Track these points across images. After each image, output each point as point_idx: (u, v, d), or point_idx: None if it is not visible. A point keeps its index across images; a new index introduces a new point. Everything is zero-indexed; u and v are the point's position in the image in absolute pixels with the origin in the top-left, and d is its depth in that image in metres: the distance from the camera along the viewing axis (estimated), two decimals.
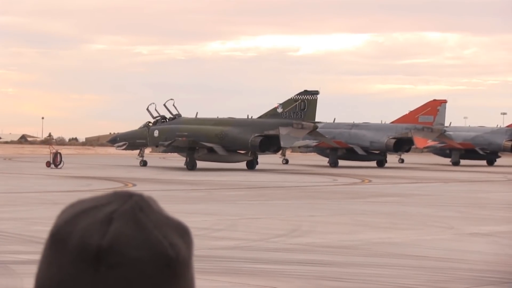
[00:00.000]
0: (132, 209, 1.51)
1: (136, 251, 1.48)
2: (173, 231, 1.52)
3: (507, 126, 75.18)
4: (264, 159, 59.78)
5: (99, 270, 1.47)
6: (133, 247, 1.48)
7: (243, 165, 54.94)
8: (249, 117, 58.59)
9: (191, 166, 52.67)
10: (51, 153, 53.94)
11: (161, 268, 1.49)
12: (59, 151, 54.85)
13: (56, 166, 52.26)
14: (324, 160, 63.78)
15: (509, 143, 71.68)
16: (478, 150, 72.09)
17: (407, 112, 66.57)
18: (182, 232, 1.54)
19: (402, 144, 64.14)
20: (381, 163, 64.18)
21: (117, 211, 1.50)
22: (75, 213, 1.53)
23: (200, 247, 15.63)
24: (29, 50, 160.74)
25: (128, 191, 1.55)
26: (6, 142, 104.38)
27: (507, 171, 59.52)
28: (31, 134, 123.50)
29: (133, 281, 1.48)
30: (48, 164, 52.68)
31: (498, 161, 73.44)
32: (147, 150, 61.34)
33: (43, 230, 19.48)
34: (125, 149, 59.22)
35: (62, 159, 53.31)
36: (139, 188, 35.54)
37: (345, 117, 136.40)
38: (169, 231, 1.52)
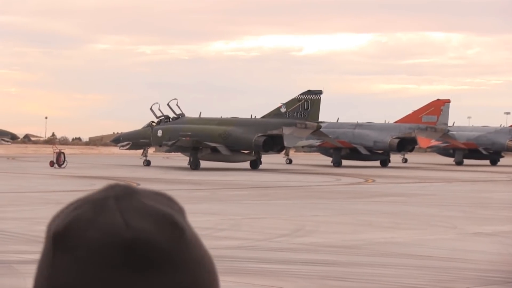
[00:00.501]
0: (105, 197, 1.47)
1: (90, 234, 1.43)
2: (145, 217, 1.43)
3: (511, 126, 75.11)
4: (268, 159, 59.79)
5: (55, 255, 1.46)
6: (88, 230, 1.43)
7: (246, 165, 54.95)
8: (253, 117, 58.59)
9: (194, 165, 52.69)
10: (54, 152, 54.00)
11: (114, 250, 1.41)
12: (62, 150, 54.91)
13: (60, 165, 52.31)
14: (328, 160, 63.77)
15: None
16: (481, 150, 72.03)
17: (410, 112, 66.55)
18: (160, 219, 1.44)
19: (406, 144, 64.10)
20: (384, 163, 64.16)
21: (90, 198, 1.48)
22: (63, 207, 1.53)
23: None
24: (32, 50, 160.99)
25: (118, 183, 1.51)
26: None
27: (511, 171, 59.46)
28: (35, 134, 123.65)
29: (87, 263, 1.42)
30: (51, 164, 52.73)
31: (502, 161, 73.38)
32: (151, 150, 61.37)
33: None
34: (128, 148, 59.26)
35: (66, 159, 53.36)
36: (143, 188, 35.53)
37: (348, 117, 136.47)
38: (137, 216, 1.43)
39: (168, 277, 1.43)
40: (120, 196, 1.47)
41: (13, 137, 72.38)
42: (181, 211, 1.50)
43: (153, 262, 1.42)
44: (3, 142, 70.19)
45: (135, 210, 1.45)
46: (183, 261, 1.45)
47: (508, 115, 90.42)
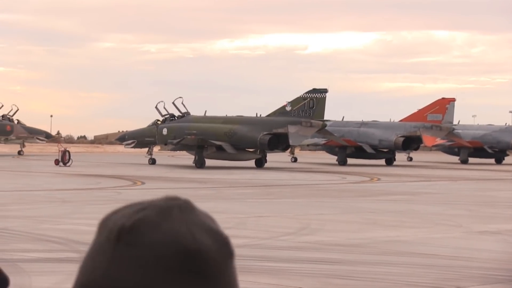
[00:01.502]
0: (169, 207, 1.59)
1: (157, 235, 1.53)
2: (205, 233, 1.58)
3: None
4: (273, 157, 59.78)
5: (118, 247, 1.54)
6: (154, 231, 1.54)
7: (252, 163, 54.96)
8: (258, 115, 58.60)
9: (199, 164, 52.71)
10: (59, 151, 54.06)
11: (178, 256, 1.53)
12: (67, 149, 54.97)
13: (65, 164, 52.37)
14: (333, 158, 63.74)
15: None
16: (486, 148, 71.95)
17: (415, 111, 66.48)
18: (217, 238, 1.59)
19: (411, 143, 64.04)
20: (389, 161, 64.12)
21: (153, 204, 1.59)
22: (122, 207, 1.63)
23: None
24: (37, 48, 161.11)
25: (178, 196, 1.63)
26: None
27: None
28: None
29: (149, 261, 1.53)
30: (56, 162, 52.80)
31: (507, 160, 73.28)
32: (156, 148, 61.42)
33: (52, 228, 19.52)
34: (133, 147, 59.31)
35: (71, 157, 53.43)
36: (148, 186, 35.58)
37: (353, 115, 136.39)
38: (200, 231, 1.57)
39: None
40: (183, 208, 1.60)
41: (47, 136, 72.81)
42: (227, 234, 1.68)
43: (204, 275, 1.56)
44: (38, 141, 70.61)
45: (197, 223, 1.58)
46: (225, 281, 1.60)
47: None
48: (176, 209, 1.58)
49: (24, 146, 70.09)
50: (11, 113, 69.56)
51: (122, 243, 1.54)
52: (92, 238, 1.63)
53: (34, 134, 70.05)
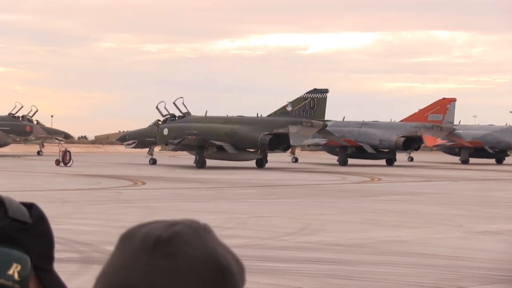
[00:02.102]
0: (196, 226, 1.70)
1: (191, 249, 1.65)
2: (229, 254, 1.71)
3: None
4: (274, 158, 59.79)
5: (154, 256, 1.63)
6: (189, 245, 1.66)
7: (252, 163, 54.97)
8: (259, 115, 58.61)
9: (200, 164, 52.73)
10: (60, 151, 54.08)
11: (211, 271, 1.65)
12: (68, 149, 54.98)
13: (65, 164, 52.38)
14: (334, 159, 63.75)
15: None
16: (487, 148, 71.96)
17: (416, 111, 66.48)
18: (237, 262, 1.72)
19: (412, 143, 64.03)
20: (390, 162, 64.11)
21: (182, 223, 1.70)
22: (145, 222, 1.72)
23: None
24: (38, 48, 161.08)
25: (197, 220, 1.74)
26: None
27: None
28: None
29: (183, 275, 1.63)
30: (57, 162, 52.81)
31: (507, 160, 73.29)
32: (157, 149, 61.42)
33: (53, 228, 19.51)
34: (134, 147, 59.32)
35: (71, 157, 53.45)
36: (149, 187, 35.60)
37: (354, 116, 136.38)
38: (225, 251, 1.71)
39: None
40: (207, 230, 1.72)
41: (66, 136, 73.40)
42: None
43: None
44: (57, 141, 71.25)
45: (221, 245, 1.72)
46: None
47: None
48: (202, 230, 1.70)
49: (43, 146, 70.96)
50: (30, 114, 70.39)
51: (159, 252, 1.64)
52: (113, 250, 1.70)
53: (53, 134, 70.83)
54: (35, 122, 70.18)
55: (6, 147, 71.94)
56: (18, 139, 69.74)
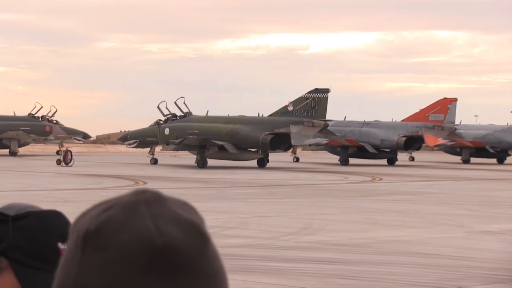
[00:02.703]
0: (136, 201, 1.51)
1: (122, 236, 1.47)
2: (175, 224, 1.48)
3: None
4: (275, 157, 59.77)
5: (85, 254, 1.49)
6: (119, 232, 1.47)
7: (254, 163, 54.95)
8: (260, 115, 58.59)
9: (201, 164, 52.71)
10: (61, 151, 54.06)
11: (145, 254, 1.45)
12: (69, 149, 54.97)
13: (67, 164, 52.37)
14: (335, 158, 63.73)
15: None
16: (488, 148, 71.92)
17: (417, 111, 66.45)
18: (188, 227, 1.49)
19: (413, 142, 64.00)
20: (391, 161, 64.09)
21: (120, 201, 1.52)
22: (90, 207, 1.57)
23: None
24: (39, 48, 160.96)
25: (147, 188, 1.55)
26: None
27: None
28: None
29: (116, 264, 1.46)
30: (58, 162, 52.81)
31: (509, 159, 73.24)
32: (158, 148, 61.39)
33: None
34: (135, 147, 59.31)
35: (73, 157, 53.44)
36: (150, 186, 35.58)
37: (355, 115, 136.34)
38: (168, 223, 1.48)
39: (188, 284, 1.48)
40: (150, 201, 1.51)
41: (85, 136, 74.40)
42: (202, 221, 1.55)
43: (178, 269, 1.47)
44: (75, 141, 71.98)
45: (165, 216, 1.49)
46: (204, 270, 1.50)
47: None
48: (142, 204, 1.50)
49: (62, 146, 71.66)
50: (49, 114, 71.39)
51: (89, 248, 1.49)
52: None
53: (72, 134, 71.74)
54: (54, 122, 71.21)
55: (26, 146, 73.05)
56: (38, 139, 70.45)
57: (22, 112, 73.04)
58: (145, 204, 1.50)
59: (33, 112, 71.32)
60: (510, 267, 15.05)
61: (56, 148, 68.42)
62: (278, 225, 20.94)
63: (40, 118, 70.84)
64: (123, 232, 1.47)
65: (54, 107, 72.02)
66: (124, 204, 1.50)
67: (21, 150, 71.10)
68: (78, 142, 74.22)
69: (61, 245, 2.13)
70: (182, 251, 1.46)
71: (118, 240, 1.47)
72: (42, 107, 71.50)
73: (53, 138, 70.74)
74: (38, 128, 69.87)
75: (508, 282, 13.76)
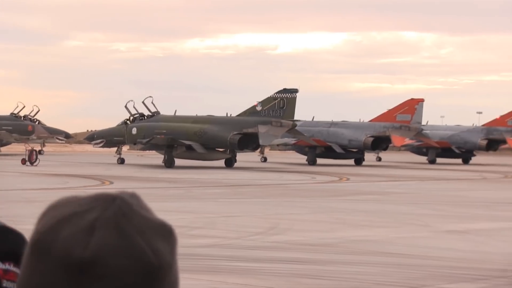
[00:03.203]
0: (115, 216, 1.47)
1: (119, 261, 1.45)
2: (157, 234, 1.50)
3: (483, 125, 75.69)
4: (243, 157, 59.76)
5: (82, 283, 1.44)
6: (116, 257, 1.45)
7: (221, 163, 54.90)
8: (228, 115, 58.56)
9: (169, 164, 52.55)
10: (26, 150, 53.56)
11: (144, 276, 1.46)
12: (34, 148, 54.46)
13: (32, 163, 51.87)
14: (303, 158, 63.88)
15: (484, 142, 72.18)
16: (454, 148, 72.56)
17: (385, 111, 66.85)
18: (166, 234, 1.52)
19: (380, 143, 64.39)
20: (359, 161, 64.39)
21: (100, 218, 1.47)
22: (57, 220, 1.48)
23: (178, 245, 15.57)
24: (5, 47, 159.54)
25: (111, 194, 1.51)
26: None
27: (482, 170, 59.93)
28: None
29: None
30: (23, 162, 52.30)
31: (474, 160, 73.95)
32: (125, 148, 61.09)
33: (19, 228, 19.28)
34: (102, 146, 58.97)
35: (38, 157, 52.95)
36: (117, 186, 35.38)
37: (324, 115, 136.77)
38: (153, 236, 1.49)
39: None
40: (127, 215, 1.49)
41: (67, 136, 74.49)
42: (157, 216, 1.58)
43: (171, 284, 1.50)
44: (57, 141, 71.83)
45: (148, 227, 1.49)
46: (174, 283, 1.53)
47: (481, 114, 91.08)
48: (120, 217, 1.47)
49: (44, 145, 72.01)
50: (32, 114, 71.68)
51: (86, 280, 1.43)
52: (27, 260, 1.49)
53: (54, 134, 72.17)
54: (36, 122, 71.44)
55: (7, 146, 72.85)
56: (20, 138, 70.26)
57: (4, 111, 73.32)
58: (123, 217, 1.48)
59: (15, 112, 71.47)
60: (475, 266, 15.17)
61: (38, 147, 68.27)
62: (246, 225, 20.92)
63: (22, 118, 71.03)
64: (118, 258, 1.45)
65: (37, 106, 72.64)
66: (104, 221, 1.46)
67: (3, 150, 70.98)
68: (60, 141, 74.33)
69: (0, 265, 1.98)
70: (169, 264, 1.50)
71: (115, 267, 1.44)
72: (24, 106, 72.29)
73: (35, 137, 71.07)
74: (21, 127, 70.28)
75: (473, 281, 13.87)
